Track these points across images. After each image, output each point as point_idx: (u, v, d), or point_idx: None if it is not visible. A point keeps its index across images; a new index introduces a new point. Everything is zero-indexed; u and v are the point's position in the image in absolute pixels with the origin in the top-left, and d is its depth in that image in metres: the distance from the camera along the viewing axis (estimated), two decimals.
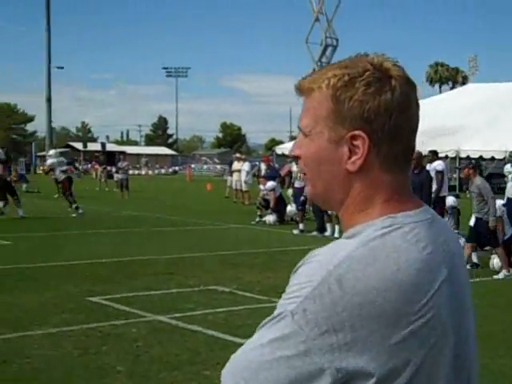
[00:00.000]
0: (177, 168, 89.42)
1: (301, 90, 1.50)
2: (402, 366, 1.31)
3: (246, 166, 30.61)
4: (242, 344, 1.38)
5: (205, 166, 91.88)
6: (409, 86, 1.45)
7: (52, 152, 25.83)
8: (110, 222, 20.17)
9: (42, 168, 24.65)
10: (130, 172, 37.03)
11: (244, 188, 30.09)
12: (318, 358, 1.28)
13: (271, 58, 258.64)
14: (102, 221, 20.64)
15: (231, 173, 32.30)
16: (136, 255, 13.44)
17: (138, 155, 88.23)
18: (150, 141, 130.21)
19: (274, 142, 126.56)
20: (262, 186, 22.08)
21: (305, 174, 1.52)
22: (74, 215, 21.60)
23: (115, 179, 37.15)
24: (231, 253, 14.38)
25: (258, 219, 21.25)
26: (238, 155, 34.05)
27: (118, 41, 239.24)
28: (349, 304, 1.28)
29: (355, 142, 1.40)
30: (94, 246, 14.67)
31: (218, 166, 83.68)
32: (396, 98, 1.40)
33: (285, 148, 33.30)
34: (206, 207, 27.53)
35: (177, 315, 8.39)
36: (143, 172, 74.88)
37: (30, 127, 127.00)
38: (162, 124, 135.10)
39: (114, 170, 43.53)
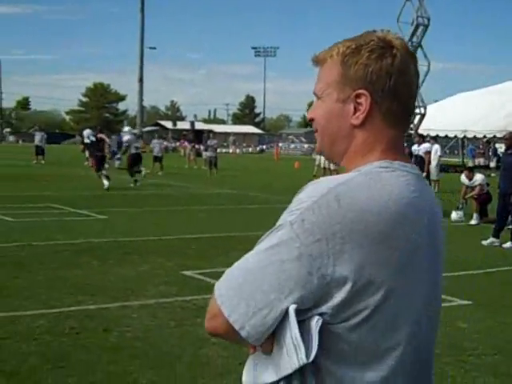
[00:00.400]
0: (264, 147, 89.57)
1: (317, 60, 1.74)
2: (378, 282, 1.47)
3: None
4: None
5: (292, 145, 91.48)
6: (409, 56, 1.66)
7: (127, 129, 27.98)
8: (200, 199, 20.51)
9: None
10: (218, 150, 37.33)
11: (332, 167, 29.94)
12: (309, 263, 1.45)
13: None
14: (192, 198, 21.02)
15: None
16: (224, 232, 13.63)
17: (226, 134, 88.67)
18: (237, 120, 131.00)
19: None
20: None
21: (316, 131, 1.74)
22: (131, 185, 24.01)
23: (204, 157, 37.52)
24: None
25: None
26: None
27: (208, 21, 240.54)
28: (343, 218, 1.46)
29: (359, 100, 1.62)
30: (184, 222, 14.98)
31: (306, 145, 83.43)
32: (396, 64, 1.62)
33: None
34: (295, 185, 27.44)
35: None
36: (231, 150, 75.19)
37: (121, 106, 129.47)
38: (249, 103, 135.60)
39: (202, 148, 43.98)
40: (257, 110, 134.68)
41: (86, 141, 25.55)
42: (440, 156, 25.45)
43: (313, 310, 1.48)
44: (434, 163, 22.72)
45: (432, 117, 30.56)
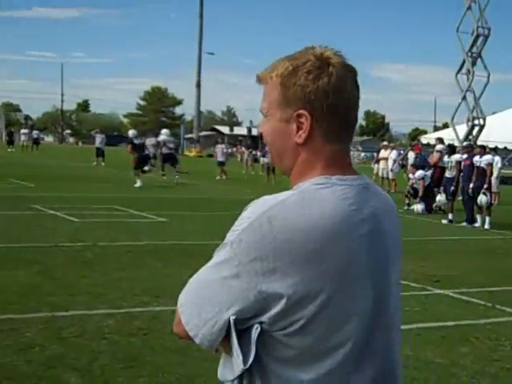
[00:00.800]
0: None
1: (260, 79, 1.82)
2: (312, 295, 1.59)
3: (393, 155, 30.31)
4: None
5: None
6: (346, 71, 1.74)
7: (164, 131, 30.39)
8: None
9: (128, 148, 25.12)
10: None
11: (390, 176, 29.79)
12: (246, 280, 1.61)
13: (418, 47, 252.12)
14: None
15: (378, 161, 31.91)
16: None
17: None
18: None
19: (418, 132, 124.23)
20: (411, 175, 21.80)
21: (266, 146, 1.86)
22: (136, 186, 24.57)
23: (261, 163, 37.51)
24: None
25: (405, 207, 21.06)
26: (385, 143, 33.63)
27: (265, 28, 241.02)
28: (274, 239, 1.59)
29: (301, 120, 1.72)
30: None
31: (362, 154, 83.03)
32: (332, 82, 1.71)
33: (430, 138, 32.59)
34: None
35: None
36: None
37: (178, 110, 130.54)
38: None
39: (259, 153, 44.00)
40: None
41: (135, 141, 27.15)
42: (500, 168, 25.11)
43: (254, 319, 1.64)
44: (494, 175, 22.41)
45: (491, 128, 30.16)
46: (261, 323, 1.63)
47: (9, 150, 57.07)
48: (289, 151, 1.77)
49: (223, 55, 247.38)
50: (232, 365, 1.67)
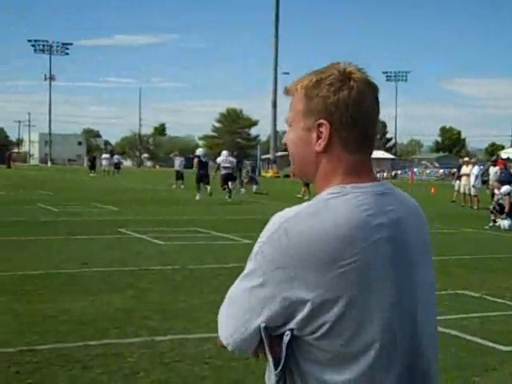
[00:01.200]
0: (399, 172, 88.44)
1: (287, 91, 1.94)
2: (333, 299, 1.68)
3: (475, 170, 29.57)
4: (503, 351, 1.52)
5: (427, 170, 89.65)
6: (366, 86, 1.85)
7: (224, 152, 32.46)
8: None
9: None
10: None
11: (473, 192, 29.13)
12: (271, 289, 1.72)
13: (493, 61, 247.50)
14: None
15: (459, 177, 31.28)
16: None
17: None
18: None
19: (495, 147, 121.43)
20: (496, 191, 21.31)
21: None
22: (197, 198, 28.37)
23: None
24: (471, 257, 14.00)
25: (491, 224, 20.56)
26: (466, 159, 33.02)
27: (337, 46, 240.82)
28: (292, 249, 1.70)
29: (321, 129, 1.82)
30: None
31: (441, 170, 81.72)
32: (353, 95, 1.81)
33: (510, 152, 31.91)
34: (434, 211, 27.06)
35: None
36: None
37: (253, 131, 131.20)
38: (380, 128, 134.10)
39: None
40: (388, 135, 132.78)
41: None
42: None
43: (284, 327, 1.74)
44: None
45: None
46: (291, 330, 1.73)
47: (91, 174, 58.36)
48: (310, 159, 1.87)
49: (298, 75, 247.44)
50: (270, 371, 1.80)
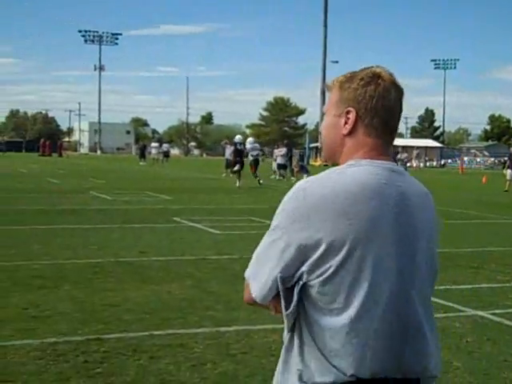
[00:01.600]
0: (449, 161, 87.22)
1: (327, 87, 2.28)
2: (339, 245, 1.97)
3: None
4: None
5: (478, 159, 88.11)
6: (392, 86, 2.16)
7: (250, 139, 35.41)
8: None
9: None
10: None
11: None
12: (289, 239, 2.01)
13: None
14: None
15: None
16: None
17: (405, 147, 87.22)
18: (416, 133, 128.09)
19: None
20: None
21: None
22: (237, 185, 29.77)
23: None
24: None
25: None
26: None
27: (386, 35, 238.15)
28: (308, 204, 2.00)
29: (348, 115, 2.14)
30: None
31: (492, 159, 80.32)
32: (378, 90, 2.12)
33: None
34: (487, 200, 26.61)
35: (497, 311, 8.09)
36: (414, 164, 73.40)
37: (300, 120, 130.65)
38: (428, 116, 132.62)
39: None
40: (435, 124, 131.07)
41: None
42: None
43: (297, 272, 2.02)
44: None
45: None
46: (302, 275, 2.01)
47: (140, 163, 58.79)
48: (337, 142, 2.18)
49: (346, 63, 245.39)
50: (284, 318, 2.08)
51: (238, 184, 29.95)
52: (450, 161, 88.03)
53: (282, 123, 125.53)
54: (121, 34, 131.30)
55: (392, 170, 2.10)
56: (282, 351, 2.16)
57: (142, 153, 62.67)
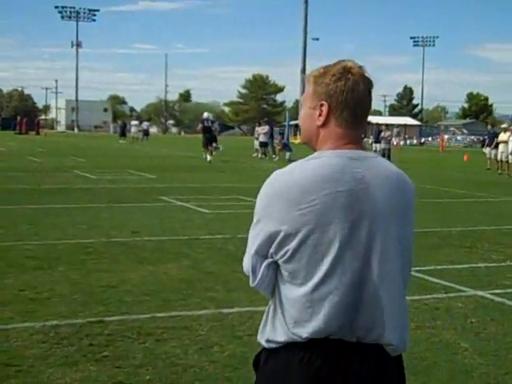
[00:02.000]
0: (430, 138, 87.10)
1: (304, 80, 2.58)
2: (294, 233, 2.26)
3: None
4: None
5: (459, 137, 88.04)
6: (361, 80, 2.39)
7: (205, 114, 34.74)
8: None
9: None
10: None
11: (510, 160, 28.71)
12: (262, 224, 2.34)
13: None
14: None
15: (496, 144, 30.65)
16: (420, 227, 12.38)
17: (386, 125, 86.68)
18: (394, 111, 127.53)
19: None
20: None
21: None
22: (208, 159, 31.29)
23: (376, 149, 36.49)
24: None
25: None
26: (504, 125, 32.50)
27: (366, 12, 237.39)
28: (273, 193, 2.32)
29: (322, 108, 2.39)
30: None
31: (472, 137, 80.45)
32: (348, 85, 2.36)
33: None
34: (471, 178, 26.68)
35: (497, 291, 8.05)
36: (395, 142, 72.80)
37: (279, 97, 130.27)
38: (407, 94, 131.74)
39: (369, 140, 43.18)
40: (414, 102, 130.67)
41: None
42: None
43: (268, 253, 2.34)
44: None
45: None
46: (271, 255, 2.33)
47: (120, 141, 58.40)
48: (313, 132, 2.44)
49: (326, 40, 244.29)
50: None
51: (208, 158, 31.43)
52: (430, 139, 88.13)
53: (260, 101, 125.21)
54: (98, 11, 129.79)
55: (352, 158, 2.33)
56: (264, 315, 2.51)
57: (123, 131, 62.19)
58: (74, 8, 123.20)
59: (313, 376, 2.28)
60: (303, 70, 57.37)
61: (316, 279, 2.27)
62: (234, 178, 23.39)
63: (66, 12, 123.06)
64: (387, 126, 39.32)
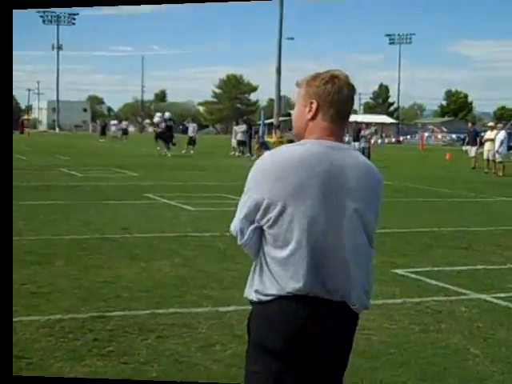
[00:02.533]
0: (407, 137, 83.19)
1: (298, 84, 2.87)
2: (275, 202, 2.64)
3: (500, 135, 27.42)
4: None
5: (439, 135, 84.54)
6: (346, 85, 2.77)
7: (158, 113, 38.74)
8: None
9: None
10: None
11: (497, 159, 27.19)
12: (249, 195, 2.72)
13: (498, 22, 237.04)
14: None
15: (482, 142, 29.23)
16: (409, 227, 12.43)
17: (358, 123, 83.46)
18: (369, 109, 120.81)
19: (504, 110, 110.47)
20: None
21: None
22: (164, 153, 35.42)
23: (355, 147, 35.10)
24: None
25: None
26: (491, 124, 31.13)
27: (341, 11, 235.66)
28: (258, 169, 2.73)
29: (312, 105, 2.75)
30: None
31: (453, 135, 77.25)
32: (334, 88, 2.74)
33: None
34: (459, 177, 25.66)
35: (501, 295, 7.55)
36: (372, 141, 70.59)
37: (252, 97, 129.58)
38: (382, 92, 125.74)
39: (347, 138, 42.57)
40: (390, 100, 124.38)
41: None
42: None
43: (255, 219, 2.69)
44: None
45: None
46: (258, 220, 2.68)
47: (100, 140, 57.90)
48: (303, 125, 2.79)
49: (301, 40, 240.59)
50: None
51: (166, 152, 35.26)
52: (408, 137, 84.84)
53: (234, 100, 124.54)
54: (77, 14, 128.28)
55: (330, 147, 2.70)
56: (250, 272, 2.84)
57: (103, 130, 61.70)
58: (54, 12, 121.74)
59: (301, 325, 2.67)
60: (278, 70, 56.78)
61: (293, 244, 2.63)
62: (214, 177, 23.11)
63: (47, 16, 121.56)
64: (367, 124, 38.01)
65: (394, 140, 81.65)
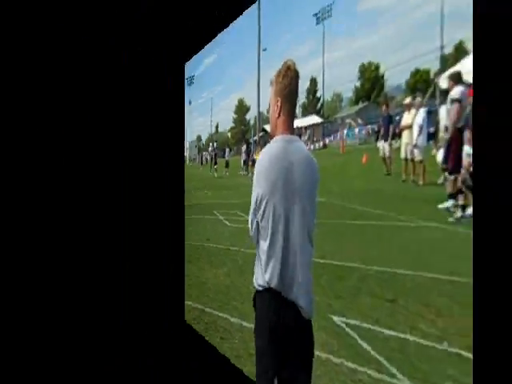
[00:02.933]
0: (331, 138, 41.68)
1: (271, 83, 2.27)
2: (263, 197, 2.16)
3: (419, 118, 7.72)
4: None
5: (356, 130, 36.53)
6: (295, 74, 2.21)
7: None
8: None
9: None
10: None
11: (416, 156, 8.13)
12: (254, 188, 2.19)
13: None
14: None
15: (398, 133, 9.12)
16: (341, 259, 4.14)
17: (300, 129, 34.86)
18: (305, 110, 61.14)
19: (419, 74, 31.63)
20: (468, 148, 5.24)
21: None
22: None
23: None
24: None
25: (459, 214, 6.68)
26: (407, 101, 8.42)
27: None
28: (257, 167, 2.19)
29: (278, 103, 2.23)
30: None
31: (369, 127, 22.74)
32: (288, 81, 2.21)
33: (466, 70, 6.79)
34: (370, 192, 9.72)
35: None
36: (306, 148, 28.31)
37: (248, 116, 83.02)
38: (313, 87, 69.43)
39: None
40: (318, 94, 71.24)
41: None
42: None
43: (258, 214, 2.18)
44: None
45: None
46: (256, 215, 2.19)
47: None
48: (274, 122, 2.25)
49: (275, 48, 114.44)
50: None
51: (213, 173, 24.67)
52: (332, 138, 45.69)
53: (240, 122, 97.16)
54: None
55: (286, 141, 2.20)
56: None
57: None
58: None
59: (278, 316, 2.16)
60: (258, 84, 40.35)
61: (269, 238, 2.16)
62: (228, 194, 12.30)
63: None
64: (306, 128, 26.53)
65: (322, 144, 41.58)
